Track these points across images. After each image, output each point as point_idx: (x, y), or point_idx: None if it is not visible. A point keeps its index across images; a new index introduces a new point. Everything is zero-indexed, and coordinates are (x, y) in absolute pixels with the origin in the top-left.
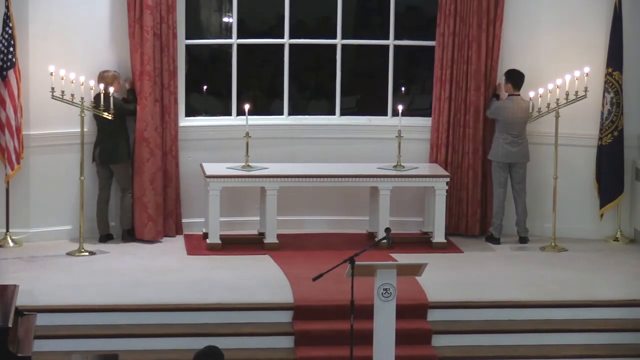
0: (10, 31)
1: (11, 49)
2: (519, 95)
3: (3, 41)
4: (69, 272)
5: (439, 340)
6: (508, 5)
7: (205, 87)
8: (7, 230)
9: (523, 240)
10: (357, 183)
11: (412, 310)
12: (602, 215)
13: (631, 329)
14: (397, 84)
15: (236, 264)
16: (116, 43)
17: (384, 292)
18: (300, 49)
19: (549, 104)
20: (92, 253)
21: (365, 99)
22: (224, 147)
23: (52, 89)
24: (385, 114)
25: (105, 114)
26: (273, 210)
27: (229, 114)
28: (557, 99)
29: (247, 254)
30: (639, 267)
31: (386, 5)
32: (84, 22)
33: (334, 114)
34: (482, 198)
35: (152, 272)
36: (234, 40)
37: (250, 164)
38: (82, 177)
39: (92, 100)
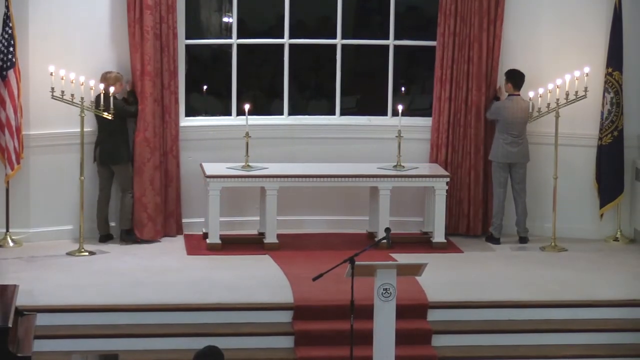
0: (10, 31)
1: (11, 49)
2: (519, 95)
3: (3, 41)
4: (69, 272)
5: (439, 340)
6: (508, 5)
7: (205, 87)
8: (7, 230)
9: (523, 240)
10: (357, 183)
11: (412, 310)
12: (602, 215)
13: (631, 329)
14: (397, 84)
15: (236, 264)
16: (116, 43)
17: (384, 292)
18: (300, 49)
19: (549, 104)
20: (92, 253)
21: (365, 99)
22: (224, 147)
23: (52, 89)
24: (385, 114)
25: (105, 114)
26: (273, 210)
27: (229, 114)
28: (557, 99)
29: (247, 254)
30: (639, 267)
31: (386, 5)
32: (84, 22)
33: (334, 114)
34: (483, 198)
35: (151, 272)
36: (234, 40)
37: (250, 164)
38: (82, 177)
39: (93, 100)
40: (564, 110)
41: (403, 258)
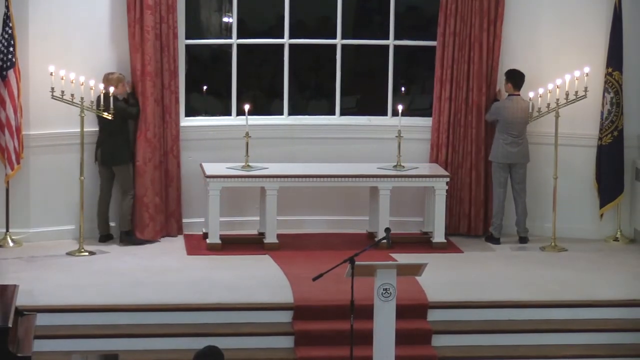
0: (10, 31)
1: (11, 49)
2: (519, 95)
3: (3, 41)
4: (69, 272)
5: (439, 340)
6: (508, 5)
7: (205, 87)
8: (7, 230)
9: (523, 240)
10: (357, 183)
11: (412, 310)
12: (602, 215)
13: (631, 329)
14: (397, 84)
15: (236, 264)
16: (116, 43)
17: (384, 292)
18: (300, 49)
19: (549, 104)
20: (92, 253)
21: (365, 99)
22: (223, 147)
23: (52, 89)
24: (385, 114)
25: (105, 114)
26: (273, 210)
27: (229, 114)
28: (557, 99)
29: (247, 254)
30: (639, 267)
31: (386, 5)
32: (84, 22)
33: (334, 114)
34: (484, 198)
35: (151, 272)
36: (234, 40)
37: (250, 164)
38: (82, 177)
39: (94, 101)
40: (564, 110)
41: (403, 258)
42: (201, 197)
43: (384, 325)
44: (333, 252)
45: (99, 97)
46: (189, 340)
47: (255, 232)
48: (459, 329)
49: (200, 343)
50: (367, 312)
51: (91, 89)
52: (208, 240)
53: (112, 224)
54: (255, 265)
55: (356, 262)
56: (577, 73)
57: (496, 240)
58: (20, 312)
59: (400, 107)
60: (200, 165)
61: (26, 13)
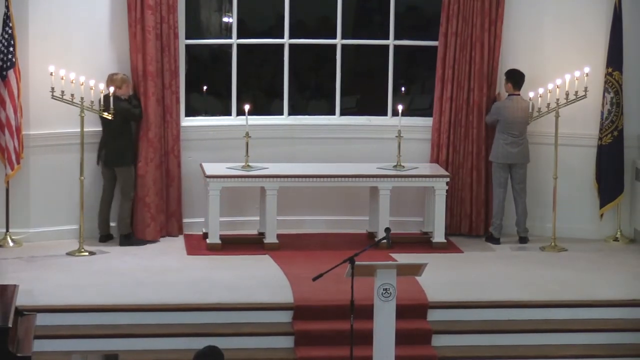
0: (10, 31)
1: (11, 49)
2: (519, 95)
3: (3, 41)
4: (69, 272)
5: (439, 340)
6: (508, 5)
7: (205, 87)
8: (7, 230)
9: (523, 240)
10: (357, 183)
11: (412, 310)
12: (602, 215)
13: (631, 329)
14: (397, 84)
15: (236, 264)
16: (116, 43)
17: (384, 292)
18: (300, 49)
19: (549, 104)
20: (92, 253)
21: (365, 99)
22: (224, 147)
23: (52, 89)
24: (385, 114)
25: (105, 114)
26: (273, 210)
27: (229, 114)
28: (557, 99)
29: (247, 254)
30: (639, 267)
31: (386, 5)
32: (84, 22)
33: (334, 114)
34: (485, 198)
35: (152, 272)
36: (234, 40)
37: (250, 164)
38: (82, 177)
39: (98, 101)
40: (564, 110)
41: (403, 258)
42: (201, 197)
43: (384, 325)
44: (333, 252)
45: (103, 97)
46: (189, 340)
47: (255, 232)
48: (459, 329)
49: (200, 343)
50: (367, 312)
51: (91, 89)
52: (208, 240)
53: (112, 224)
54: (255, 265)
55: (356, 262)
56: (577, 73)
57: (496, 240)
58: (20, 312)
59: (400, 107)
60: (200, 165)
61: (26, 13)
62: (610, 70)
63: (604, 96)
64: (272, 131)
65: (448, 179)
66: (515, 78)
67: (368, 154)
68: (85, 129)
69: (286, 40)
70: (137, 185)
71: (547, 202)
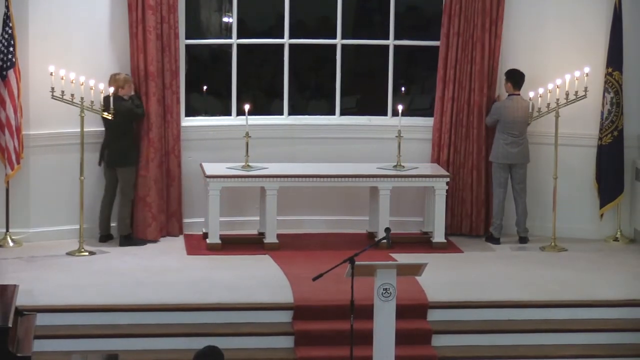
0: (10, 31)
1: (11, 49)
2: (519, 94)
3: (3, 41)
4: (69, 272)
5: (439, 340)
6: (509, 5)
7: (205, 87)
8: (7, 230)
9: (523, 240)
10: (357, 183)
11: (412, 310)
12: (602, 215)
13: (631, 329)
14: (397, 84)
15: (236, 264)
16: (116, 43)
17: (384, 292)
18: (300, 49)
19: (549, 104)
20: (92, 253)
21: (365, 99)
22: (224, 147)
23: (52, 89)
24: (385, 114)
25: (105, 114)
26: (273, 210)
27: (229, 114)
28: (557, 99)
29: (247, 254)
30: (639, 267)
31: (386, 5)
32: (84, 22)
33: (334, 114)
34: (485, 198)
35: (152, 272)
36: (234, 40)
37: (250, 164)
38: (82, 177)
39: (101, 101)
40: (564, 110)
41: (403, 258)
42: (201, 197)
43: (384, 325)
44: (333, 252)
45: (105, 98)
46: (189, 340)
47: (255, 232)
48: (459, 329)
49: (200, 343)
50: (367, 312)
51: (91, 89)
52: (208, 240)
53: (113, 224)
54: (255, 265)
55: (356, 262)
56: (577, 73)
57: (496, 240)
58: (20, 312)
59: (400, 107)
60: (200, 165)
61: (26, 13)
62: (610, 70)
63: (604, 96)
64: (272, 131)
65: (448, 179)
66: (515, 78)
67: (368, 154)
68: (85, 129)
69: (286, 40)
70: (138, 185)
71: (547, 202)
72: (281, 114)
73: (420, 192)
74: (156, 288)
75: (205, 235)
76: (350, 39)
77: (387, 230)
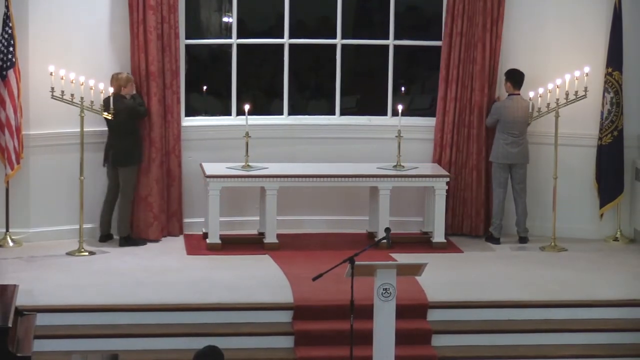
0: (10, 31)
1: (11, 48)
2: (519, 94)
3: (3, 41)
4: (69, 272)
5: (439, 340)
6: (509, 4)
7: (205, 87)
8: (7, 230)
9: (523, 240)
10: (357, 183)
11: (412, 310)
12: (602, 215)
13: (631, 329)
14: (397, 84)
15: (236, 264)
16: (116, 43)
17: (384, 292)
18: (300, 49)
19: (549, 104)
20: (92, 253)
21: (365, 99)
22: (223, 147)
23: (52, 89)
24: (385, 114)
25: (105, 114)
26: (273, 210)
27: (229, 114)
28: (557, 99)
29: (247, 254)
30: (639, 267)
31: (386, 5)
32: (84, 22)
33: (333, 113)
34: (485, 198)
35: (152, 272)
36: (233, 40)
37: (250, 164)
38: (82, 177)
39: (102, 101)
40: (564, 110)
41: (403, 258)
42: (201, 197)
43: (384, 325)
44: (333, 252)
45: (106, 98)
46: (189, 340)
47: (255, 232)
48: (459, 329)
49: (200, 343)
50: (367, 312)
51: (91, 89)
52: (208, 240)
53: (114, 224)
54: (255, 265)
55: (356, 262)
56: (577, 73)
57: (496, 240)
58: (20, 312)
59: (400, 107)
60: (200, 165)
61: (26, 13)
62: (610, 70)
63: (604, 96)
64: (272, 131)
65: (448, 179)
66: (515, 78)
67: (368, 154)
68: (85, 129)
69: (286, 40)
70: (139, 185)
71: (547, 202)
72: (281, 114)
73: (420, 192)
74: (156, 288)
75: (205, 235)
76: (350, 38)
77: (387, 230)
